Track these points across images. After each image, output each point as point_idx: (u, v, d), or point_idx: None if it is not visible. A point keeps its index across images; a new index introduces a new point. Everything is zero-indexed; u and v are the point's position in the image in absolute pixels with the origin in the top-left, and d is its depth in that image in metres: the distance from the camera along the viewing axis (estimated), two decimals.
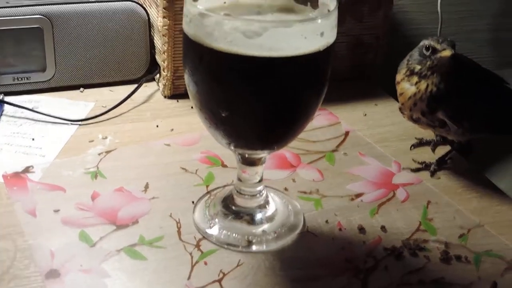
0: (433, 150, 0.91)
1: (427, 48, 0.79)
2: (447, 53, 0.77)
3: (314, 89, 0.64)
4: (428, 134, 0.91)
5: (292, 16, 0.67)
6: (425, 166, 0.86)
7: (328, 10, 0.64)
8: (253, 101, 0.61)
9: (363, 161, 0.87)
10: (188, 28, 0.62)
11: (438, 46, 0.78)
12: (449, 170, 0.87)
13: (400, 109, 0.84)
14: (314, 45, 0.60)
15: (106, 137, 0.87)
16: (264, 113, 0.63)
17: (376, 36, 1.09)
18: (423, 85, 0.79)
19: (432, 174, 0.85)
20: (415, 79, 0.80)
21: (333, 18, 0.63)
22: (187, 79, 0.64)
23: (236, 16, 0.65)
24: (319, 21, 0.61)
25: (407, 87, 0.81)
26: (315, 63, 0.62)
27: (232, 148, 0.67)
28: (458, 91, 0.79)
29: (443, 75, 0.78)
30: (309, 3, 0.68)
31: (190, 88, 0.65)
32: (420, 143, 0.92)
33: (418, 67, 0.80)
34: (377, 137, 0.93)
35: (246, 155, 0.69)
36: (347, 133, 0.93)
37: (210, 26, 0.59)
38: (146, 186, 0.78)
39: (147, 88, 1.01)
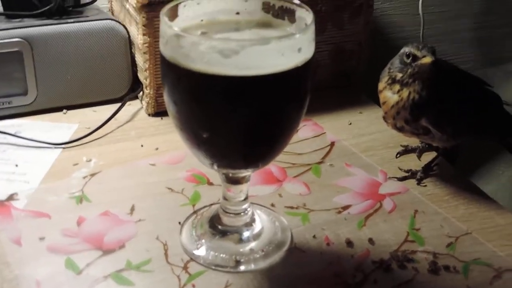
0: (419, 157, 0.91)
1: (408, 56, 0.78)
2: (427, 60, 0.76)
3: (294, 105, 0.64)
4: (413, 141, 0.91)
5: (270, 31, 0.67)
6: (411, 174, 0.86)
7: (306, 24, 0.64)
8: (234, 121, 0.61)
9: (349, 172, 0.86)
10: (165, 49, 0.61)
11: (418, 53, 0.77)
12: (435, 177, 0.86)
13: (383, 117, 0.83)
14: (292, 61, 0.60)
15: (90, 160, 0.86)
16: (245, 132, 0.62)
17: (358, 42, 1.09)
18: (405, 93, 0.79)
19: (419, 182, 0.85)
20: (397, 87, 0.80)
21: (310, 32, 0.62)
22: (167, 100, 0.64)
23: (211, 36, 0.64)
24: (296, 36, 0.60)
25: (389, 95, 0.81)
26: (293, 79, 0.61)
27: (216, 168, 0.67)
28: (440, 97, 0.79)
29: (425, 82, 0.78)
30: (286, 17, 0.68)
31: (170, 109, 0.64)
32: (406, 150, 0.92)
33: (399, 75, 0.79)
34: (363, 146, 0.93)
35: (230, 174, 0.68)
36: (332, 144, 0.93)
37: (186, 47, 0.59)
38: (132, 209, 0.77)
39: (131, 106, 1.01)
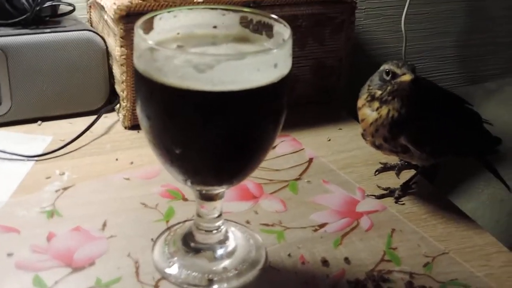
0: (398, 175, 0.90)
1: (387, 73, 0.78)
2: (407, 77, 0.75)
3: (270, 121, 0.62)
4: (392, 158, 0.90)
5: (247, 47, 0.66)
6: (390, 192, 0.85)
7: (283, 39, 0.63)
8: (208, 137, 0.60)
9: (327, 189, 0.85)
10: (139, 62, 0.60)
11: (398, 71, 0.77)
12: (413, 195, 0.85)
13: (362, 135, 0.82)
14: (268, 77, 0.59)
15: (63, 173, 0.85)
16: (219, 149, 0.61)
17: (339, 58, 1.08)
18: (384, 110, 0.78)
19: (397, 200, 0.84)
20: (376, 104, 0.79)
21: (287, 48, 0.61)
22: (140, 114, 0.63)
23: (186, 50, 0.63)
24: (273, 52, 0.59)
25: (368, 113, 0.80)
26: (269, 95, 0.60)
27: (189, 184, 0.65)
28: (419, 115, 0.78)
29: (404, 99, 0.77)
30: (264, 32, 0.66)
31: (143, 123, 0.63)
32: (385, 168, 0.91)
33: (378, 92, 0.79)
34: (342, 162, 0.92)
35: (204, 191, 0.67)
36: (310, 160, 0.92)
37: (160, 60, 0.57)
38: (104, 224, 0.75)
39: (108, 119, 0.99)
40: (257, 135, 0.62)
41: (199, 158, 0.62)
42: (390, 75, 0.77)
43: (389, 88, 0.78)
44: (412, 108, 0.78)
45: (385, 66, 0.78)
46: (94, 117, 0.96)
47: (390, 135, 0.79)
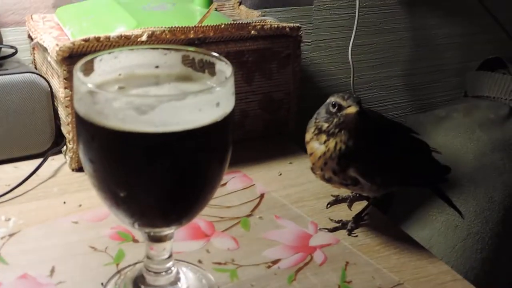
0: (350, 207, 0.90)
1: (334, 105, 0.78)
2: (352, 109, 0.76)
3: (215, 160, 0.62)
4: (344, 190, 0.90)
5: (190, 85, 0.65)
6: (342, 225, 0.84)
7: (225, 77, 0.63)
8: (152, 179, 0.59)
9: (279, 224, 0.85)
10: (79, 106, 0.59)
11: (343, 103, 0.77)
12: (366, 226, 0.85)
13: (311, 169, 0.82)
14: (210, 116, 0.58)
15: (9, 219, 0.83)
16: (165, 190, 0.60)
17: (287, 92, 1.08)
18: (331, 143, 0.78)
19: (349, 232, 0.83)
20: (323, 137, 0.79)
21: (229, 86, 0.61)
22: (82, 158, 0.61)
23: (126, 92, 0.62)
24: (215, 90, 0.59)
25: (316, 146, 0.79)
26: (213, 135, 0.59)
27: (137, 227, 0.64)
28: (367, 147, 0.78)
29: (351, 132, 0.77)
30: (206, 71, 0.66)
31: (87, 167, 0.62)
32: (336, 200, 0.90)
33: (325, 125, 0.78)
34: (293, 197, 0.91)
35: (152, 233, 0.66)
36: (262, 196, 0.91)
37: (100, 103, 0.57)
38: (52, 270, 0.74)
39: (54, 161, 0.97)
40: (203, 174, 0.61)
41: (145, 200, 0.61)
42: (336, 108, 0.77)
43: (335, 120, 0.77)
44: (360, 139, 0.78)
45: (331, 99, 0.78)
46: (40, 160, 0.94)
47: (339, 167, 0.79)
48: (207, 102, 0.58)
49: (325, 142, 0.78)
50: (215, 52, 0.66)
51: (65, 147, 0.97)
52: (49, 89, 0.96)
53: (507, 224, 1.23)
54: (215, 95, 0.58)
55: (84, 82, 0.59)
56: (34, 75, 0.95)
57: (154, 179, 0.59)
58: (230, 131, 0.62)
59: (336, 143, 0.78)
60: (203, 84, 0.65)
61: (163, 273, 0.69)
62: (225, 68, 0.64)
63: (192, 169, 0.60)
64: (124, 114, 0.56)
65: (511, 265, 1.25)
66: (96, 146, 0.59)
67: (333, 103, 0.77)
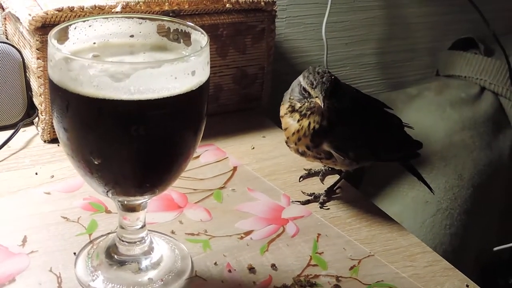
0: (322, 180, 0.90)
1: (304, 90, 0.78)
2: (318, 101, 0.76)
3: (189, 129, 0.62)
4: (317, 164, 0.90)
5: (165, 55, 0.65)
6: (314, 198, 0.85)
7: (201, 47, 0.63)
8: (126, 147, 0.59)
9: (252, 196, 0.85)
10: (53, 73, 0.59)
11: (312, 92, 0.76)
12: (338, 200, 0.86)
13: (286, 142, 0.82)
14: (186, 85, 0.58)
15: None
16: (139, 158, 0.60)
17: (261, 67, 1.08)
18: (305, 122, 0.78)
19: (322, 205, 0.84)
20: (297, 116, 0.79)
21: (205, 56, 0.61)
22: (56, 126, 0.61)
23: (103, 59, 0.62)
24: (190, 59, 0.59)
25: (290, 122, 0.80)
26: (187, 103, 0.59)
27: (110, 195, 0.64)
28: (340, 122, 0.78)
29: (323, 115, 0.77)
30: (182, 41, 0.66)
31: (61, 136, 0.61)
32: (309, 174, 0.91)
33: (298, 105, 0.79)
34: (266, 170, 0.92)
35: (125, 202, 0.66)
36: (235, 168, 0.91)
37: (75, 70, 0.56)
38: (24, 240, 0.73)
39: (26, 133, 0.97)
40: (177, 143, 0.61)
41: (119, 168, 0.61)
42: (306, 93, 0.77)
43: (306, 104, 0.78)
44: (333, 116, 0.78)
45: (301, 82, 0.78)
46: (11, 131, 0.94)
47: (313, 143, 0.79)
48: (182, 70, 0.58)
49: (298, 120, 0.79)
50: None
51: (37, 118, 0.96)
52: (21, 59, 0.95)
53: (475, 201, 1.24)
54: (191, 63, 0.58)
55: (59, 49, 0.58)
56: (6, 45, 0.94)
57: (128, 146, 0.59)
58: (205, 100, 0.62)
59: (309, 123, 0.78)
60: (178, 54, 0.65)
61: (137, 243, 0.69)
62: (200, 38, 0.64)
63: (167, 137, 0.60)
64: (99, 81, 0.56)
65: (479, 241, 1.26)
66: (71, 113, 0.58)
67: (303, 88, 0.78)
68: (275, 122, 1.02)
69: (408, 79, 1.55)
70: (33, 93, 0.96)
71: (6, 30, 1.05)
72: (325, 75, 0.77)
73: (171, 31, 0.66)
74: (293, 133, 0.80)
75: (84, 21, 0.64)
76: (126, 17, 0.67)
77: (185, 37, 0.66)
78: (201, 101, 0.62)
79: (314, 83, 0.77)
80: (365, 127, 0.82)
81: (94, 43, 0.65)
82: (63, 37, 0.63)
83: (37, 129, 0.97)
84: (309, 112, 0.78)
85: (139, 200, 0.66)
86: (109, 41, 0.66)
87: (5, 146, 0.91)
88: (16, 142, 0.93)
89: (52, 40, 0.59)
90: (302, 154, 0.82)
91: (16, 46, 0.95)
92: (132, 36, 0.67)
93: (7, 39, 1.02)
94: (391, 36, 1.48)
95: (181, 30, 0.66)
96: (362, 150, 0.82)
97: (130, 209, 0.67)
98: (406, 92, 1.44)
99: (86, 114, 0.58)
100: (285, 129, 0.81)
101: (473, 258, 1.26)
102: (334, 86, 0.76)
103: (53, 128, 0.93)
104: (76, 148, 0.61)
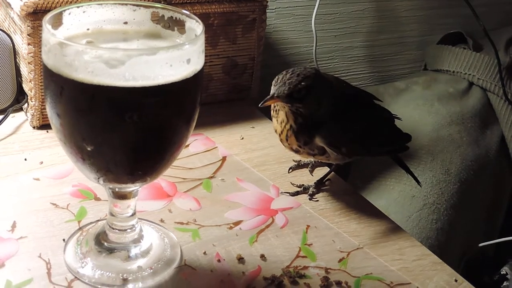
0: (311, 172, 0.90)
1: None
2: (267, 101, 0.76)
3: (183, 117, 0.62)
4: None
5: (159, 42, 0.65)
6: (304, 189, 0.85)
7: (196, 35, 0.62)
8: (119, 134, 0.58)
9: (241, 187, 0.85)
10: (47, 58, 0.59)
11: (272, 89, 0.76)
12: (327, 192, 0.86)
13: (280, 140, 0.82)
14: (181, 72, 0.58)
15: None
16: (131, 145, 0.60)
17: (251, 57, 1.08)
18: (283, 122, 0.79)
19: (311, 197, 0.84)
20: (276, 115, 0.80)
21: (200, 44, 0.61)
22: (49, 112, 0.61)
23: (96, 45, 0.62)
24: (185, 47, 0.58)
25: (275, 124, 0.81)
26: (182, 91, 0.59)
27: (101, 182, 0.64)
28: (331, 116, 0.78)
29: (288, 114, 0.78)
30: (176, 28, 0.66)
31: (53, 121, 0.61)
32: (298, 165, 0.91)
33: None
34: (255, 160, 0.92)
35: (117, 189, 0.66)
36: (224, 158, 0.91)
37: (70, 56, 0.56)
38: (13, 225, 0.73)
39: (15, 119, 0.96)
40: (170, 131, 0.61)
41: (112, 155, 0.61)
42: None
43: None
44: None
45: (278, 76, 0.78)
46: (0, 116, 0.93)
47: (299, 143, 0.79)
48: (178, 58, 0.57)
49: (282, 123, 0.79)
50: None
51: (26, 104, 0.95)
52: (11, 45, 0.94)
53: (462, 196, 1.25)
54: (186, 51, 0.58)
55: (53, 34, 0.58)
56: None
57: (121, 133, 0.58)
58: (200, 88, 0.62)
59: (291, 124, 0.78)
60: (172, 41, 0.65)
61: (127, 231, 0.69)
62: (195, 26, 0.64)
63: (161, 125, 0.60)
64: (94, 67, 0.55)
65: (465, 236, 1.27)
66: (65, 99, 0.58)
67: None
68: (264, 113, 1.02)
69: (396, 73, 1.56)
70: (22, 79, 0.96)
71: None
72: (297, 77, 0.76)
73: (165, 18, 0.66)
74: (280, 134, 0.80)
75: (78, 7, 0.64)
76: (120, 4, 0.66)
77: (179, 25, 0.65)
78: (195, 89, 0.62)
79: (278, 81, 0.76)
80: (357, 121, 0.82)
81: (88, 29, 0.65)
82: (57, 22, 0.62)
83: (26, 115, 0.96)
84: (279, 111, 0.79)
85: (130, 187, 0.66)
86: (103, 28, 0.66)
87: None
88: (5, 127, 0.93)
89: (46, 25, 0.59)
90: (296, 151, 0.82)
91: (7, 32, 0.95)
92: (126, 23, 0.66)
93: None
94: (380, 29, 1.48)
95: (176, 18, 0.65)
96: (355, 145, 0.82)
97: (121, 196, 0.66)
98: (394, 85, 1.45)
99: (80, 100, 0.57)
100: (275, 131, 0.81)
101: (459, 253, 1.26)
102: (299, 91, 0.75)
103: (43, 115, 0.92)
104: (68, 134, 0.60)
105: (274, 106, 0.80)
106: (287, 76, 0.76)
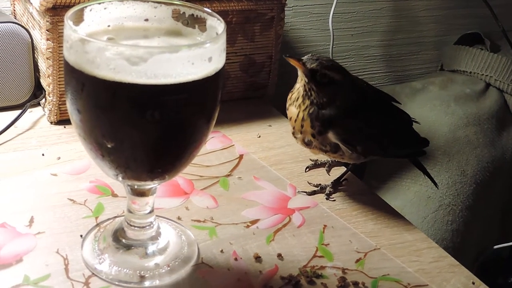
0: (328, 172, 0.90)
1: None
2: (291, 61, 0.78)
3: (203, 116, 0.62)
4: (323, 156, 0.90)
5: (180, 40, 0.65)
6: (321, 189, 0.85)
7: (217, 33, 0.62)
8: (140, 131, 0.58)
9: (258, 185, 0.85)
10: (69, 54, 0.58)
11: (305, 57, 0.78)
12: (344, 191, 0.86)
13: (292, 133, 0.82)
14: (202, 71, 0.58)
15: None
16: (151, 143, 0.60)
17: (269, 55, 1.08)
18: (303, 105, 0.78)
19: (328, 196, 0.84)
20: (296, 101, 0.79)
21: (221, 42, 0.60)
22: (70, 108, 0.61)
23: (119, 42, 0.62)
24: (207, 45, 0.58)
25: (293, 111, 0.80)
26: (203, 89, 0.59)
27: (120, 179, 0.64)
28: (346, 112, 0.78)
29: (309, 91, 0.78)
30: (197, 26, 0.66)
31: (73, 117, 0.61)
32: (315, 164, 0.91)
33: (296, 86, 0.80)
34: (272, 159, 0.92)
35: (135, 186, 0.66)
36: (241, 156, 0.91)
37: (92, 52, 0.56)
38: (31, 220, 0.73)
39: (33, 114, 0.96)
40: (190, 129, 0.61)
41: (131, 152, 0.61)
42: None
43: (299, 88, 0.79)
44: (343, 107, 0.78)
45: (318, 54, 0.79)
46: (18, 111, 0.93)
47: (313, 129, 0.79)
48: (199, 56, 0.57)
49: (299, 105, 0.79)
50: None
51: (44, 99, 0.96)
52: (30, 40, 0.94)
53: (478, 197, 1.25)
54: (208, 49, 0.58)
55: (75, 30, 0.58)
56: (15, 26, 0.93)
57: (142, 131, 0.58)
58: (220, 86, 0.62)
59: (307, 106, 0.78)
60: (193, 39, 0.65)
61: (145, 228, 0.69)
62: (216, 24, 0.64)
63: (181, 123, 0.60)
64: (116, 64, 0.55)
65: (480, 238, 1.27)
66: (85, 95, 0.58)
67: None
68: (281, 111, 1.02)
69: (412, 72, 1.55)
70: (40, 74, 0.96)
71: (14, 10, 1.05)
72: (331, 66, 0.78)
73: (186, 16, 0.66)
74: (295, 120, 0.80)
75: (99, 4, 0.64)
76: (141, 1, 0.66)
77: (200, 23, 0.65)
78: (216, 87, 0.61)
79: (314, 56, 0.78)
80: (375, 121, 0.81)
81: (109, 26, 0.65)
82: (78, 19, 0.62)
83: (44, 111, 0.96)
84: (302, 90, 0.79)
85: (149, 185, 0.66)
86: (124, 25, 0.65)
87: (12, 126, 0.91)
88: (23, 122, 0.93)
89: (68, 21, 0.59)
90: (308, 144, 0.81)
91: (25, 26, 0.95)
92: (146, 20, 0.66)
93: (16, 19, 1.02)
94: (397, 28, 1.47)
95: (197, 15, 0.65)
96: (371, 145, 0.82)
97: (140, 193, 0.66)
98: (411, 86, 1.44)
99: (101, 96, 0.57)
100: (290, 119, 0.81)
101: (474, 255, 1.26)
102: (323, 75, 0.77)
103: (60, 110, 0.93)
104: (88, 130, 0.60)
105: (290, 96, 0.80)
106: (325, 59, 0.77)
